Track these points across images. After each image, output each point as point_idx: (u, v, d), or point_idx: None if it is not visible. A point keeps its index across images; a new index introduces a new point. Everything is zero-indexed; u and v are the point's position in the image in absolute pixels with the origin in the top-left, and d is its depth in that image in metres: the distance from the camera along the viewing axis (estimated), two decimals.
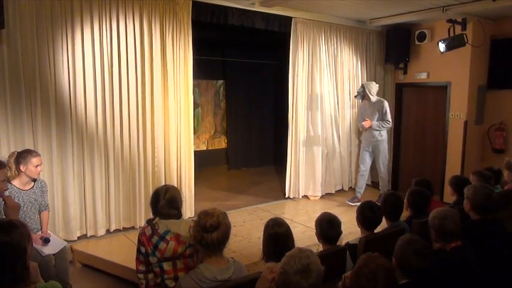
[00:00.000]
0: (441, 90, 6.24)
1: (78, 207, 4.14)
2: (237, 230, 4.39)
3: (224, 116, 8.23)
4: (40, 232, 3.30)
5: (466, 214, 2.83)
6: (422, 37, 6.17)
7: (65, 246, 3.37)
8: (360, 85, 5.61)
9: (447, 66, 5.98)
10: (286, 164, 5.86)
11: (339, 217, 2.66)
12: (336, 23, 5.91)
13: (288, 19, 5.46)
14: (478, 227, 2.74)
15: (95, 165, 4.19)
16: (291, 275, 1.56)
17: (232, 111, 8.15)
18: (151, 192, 2.73)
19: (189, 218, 4.51)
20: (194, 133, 7.80)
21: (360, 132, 6.02)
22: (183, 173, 4.77)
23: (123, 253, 3.79)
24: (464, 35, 5.44)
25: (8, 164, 3.22)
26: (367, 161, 5.62)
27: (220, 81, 8.13)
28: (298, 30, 5.54)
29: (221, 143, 8.28)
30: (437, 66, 6.12)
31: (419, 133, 6.73)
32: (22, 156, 3.18)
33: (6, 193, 3.04)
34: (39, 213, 3.35)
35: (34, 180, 3.28)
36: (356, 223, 2.92)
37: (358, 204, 5.37)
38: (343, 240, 3.06)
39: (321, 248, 2.69)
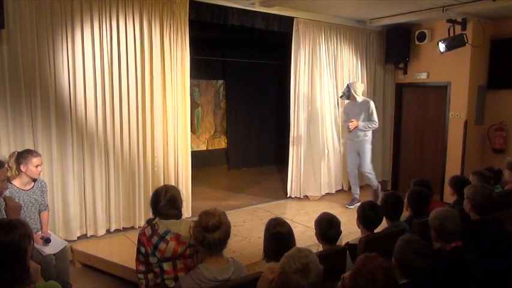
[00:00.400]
0: (441, 90, 6.24)
1: (78, 207, 4.14)
2: (237, 230, 4.39)
3: (224, 116, 8.23)
4: (40, 232, 3.30)
5: (466, 214, 2.83)
6: (422, 37, 6.17)
7: (65, 246, 3.38)
8: (345, 85, 5.56)
9: (447, 66, 5.98)
10: (287, 163, 5.87)
11: (339, 217, 2.66)
12: (336, 23, 5.91)
13: (288, 19, 5.45)
14: (478, 227, 2.74)
15: (95, 165, 4.20)
16: (291, 275, 1.57)
17: (232, 111, 8.15)
18: (151, 192, 2.74)
19: (186, 218, 4.50)
20: (194, 133, 7.85)
21: (345, 132, 6.02)
22: (180, 173, 4.76)
23: (123, 253, 3.79)
24: (464, 35, 5.44)
25: (8, 164, 3.23)
26: (354, 161, 5.57)
27: (220, 81, 8.13)
28: (300, 30, 5.54)
29: (221, 143, 8.28)
30: (437, 66, 6.12)
31: (419, 133, 6.73)
32: (22, 156, 3.18)
33: (7, 193, 3.05)
34: (39, 213, 3.35)
35: (34, 180, 3.29)
36: (356, 223, 2.92)
37: (358, 204, 5.36)
38: (343, 240, 3.06)
39: (320, 248, 2.69)
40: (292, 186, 5.87)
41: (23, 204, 3.10)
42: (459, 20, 5.61)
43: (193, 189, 5.90)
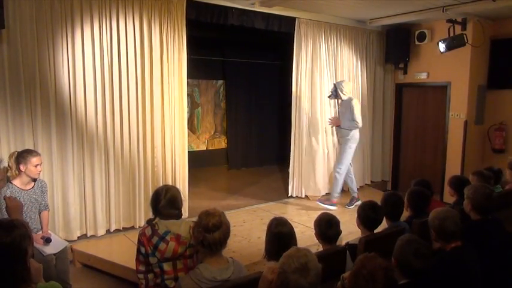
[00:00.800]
0: (441, 90, 6.24)
1: (78, 207, 4.14)
2: (237, 230, 4.39)
3: (224, 116, 8.23)
4: (41, 232, 3.30)
5: (466, 214, 2.84)
6: (422, 37, 6.18)
7: (65, 247, 3.38)
8: (333, 85, 5.56)
9: (447, 66, 5.98)
10: (287, 163, 5.87)
11: (339, 217, 2.66)
12: (336, 23, 5.91)
13: (288, 19, 5.46)
14: (478, 227, 2.74)
15: (95, 165, 4.20)
16: (290, 274, 1.57)
17: (232, 111, 8.15)
18: (151, 192, 2.73)
19: (183, 218, 4.50)
20: (194, 133, 7.85)
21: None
22: (177, 173, 4.75)
23: (123, 253, 3.79)
24: (464, 35, 5.44)
25: (8, 163, 3.24)
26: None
27: (220, 81, 8.13)
28: (302, 31, 5.55)
29: (221, 143, 8.28)
30: (437, 66, 6.12)
31: (419, 133, 6.74)
32: (22, 156, 3.19)
33: (8, 193, 3.05)
34: (39, 213, 3.35)
35: (34, 180, 3.29)
36: (356, 223, 2.92)
37: (359, 203, 5.33)
38: (343, 240, 3.05)
39: (320, 248, 2.69)
40: (293, 185, 5.87)
41: (23, 204, 3.10)
42: (459, 20, 5.61)
43: (193, 189, 5.91)
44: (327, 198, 5.56)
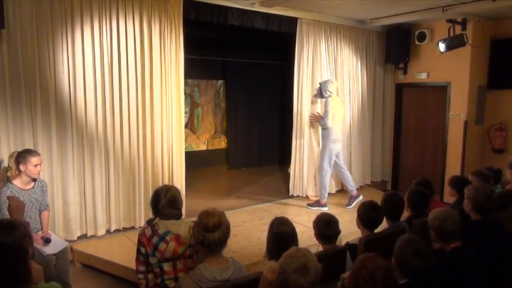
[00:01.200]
0: (441, 90, 6.24)
1: (78, 207, 4.14)
2: (237, 230, 4.39)
3: (224, 116, 8.23)
4: (41, 232, 3.30)
5: (465, 214, 2.83)
6: (422, 37, 6.18)
7: (65, 247, 3.38)
8: (318, 84, 5.55)
9: (447, 66, 5.98)
10: (288, 163, 5.87)
11: (339, 217, 2.67)
12: (336, 23, 5.91)
13: (288, 19, 5.45)
14: (478, 227, 2.74)
15: (95, 165, 4.20)
16: (290, 274, 1.57)
17: (232, 111, 8.14)
18: (151, 192, 2.73)
19: (182, 218, 4.50)
20: (194, 133, 7.85)
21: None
22: (174, 172, 4.73)
23: (123, 253, 3.79)
24: (464, 35, 5.44)
25: (8, 163, 3.24)
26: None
27: (220, 81, 8.13)
28: (303, 31, 5.56)
29: (221, 143, 8.28)
30: (437, 66, 6.12)
31: (419, 133, 6.74)
32: (22, 156, 3.19)
33: (8, 193, 3.05)
34: (40, 213, 3.35)
35: (34, 180, 3.29)
36: (355, 223, 2.92)
37: (358, 200, 5.30)
38: (343, 240, 3.05)
39: (320, 248, 2.69)
40: (294, 185, 5.87)
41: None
42: (459, 20, 5.62)
43: (193, 189, 5.91)
44: (316, 201, 5.55)
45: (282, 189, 6.27)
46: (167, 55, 4.52)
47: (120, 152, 4.34)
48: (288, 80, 5.74)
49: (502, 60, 5.82)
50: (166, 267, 2.35)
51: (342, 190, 6.30)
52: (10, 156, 3.28)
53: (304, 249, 1.70)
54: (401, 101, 6.92)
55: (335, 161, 5.47)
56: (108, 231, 4.35)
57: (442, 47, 5.47)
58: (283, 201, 5.80)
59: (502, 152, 5.93)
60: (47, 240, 3.21)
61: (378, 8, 5.44)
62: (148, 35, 4.37)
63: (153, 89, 4.46)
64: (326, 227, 2.58)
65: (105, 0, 4.09)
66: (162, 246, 2.31)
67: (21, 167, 3.16)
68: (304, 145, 5.79)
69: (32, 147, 3.61)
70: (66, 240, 3.68)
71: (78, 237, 4.14)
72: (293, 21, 5.51)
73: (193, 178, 6.44)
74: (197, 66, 7.18)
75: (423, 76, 6.37)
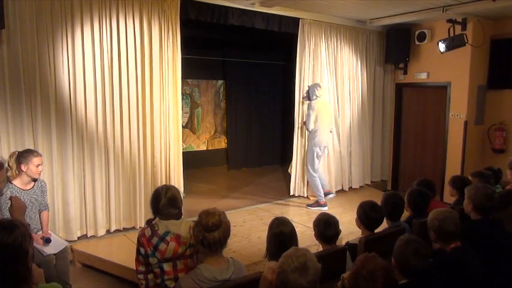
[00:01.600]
0: (441, 90, 6.24)
1: (78, 207, 4.14)
2: (237, 230, 4.39)
3: (224, 116, 8.23)
4: (41, 232, 3.30)
5: (465, 214, 2.83)
6: (422, 37, 6.18)
7: (65, 247, 3.38)
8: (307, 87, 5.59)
9: (447, 66, 5.98)
10: (288, 163, 5.86)
11: (339, 217, 2.67)
12: (336, 23, 5.91)
13: (288, 19, 5.46)
14: (478, 227, 2.74)
15: (95, 165, 4.20)
16: (289, 273, 1.58)
17: (232, 111, 8.15)
18: (151, 192, 2.72)
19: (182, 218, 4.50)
20: (194, 133, 7.85)
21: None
22: (172, 172, 4.73)
23: (123, 253, 3.79)
24: (464, 35, 5.44)
25: (8, 163, 3.23)
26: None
27: (220, 81, 8.13)
28: (305, 31, 5.57)
29: (221, 143, 8.28)
30: (437, 66, 6.12)
31: (419, 133, 6.74)
32: (23, 156, 3.18)
33: (8, 193, 3.05)
34: (39, 213, 3.35)
35: (34, 180, 3.29)
36: (355, 223, 2.92)
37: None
38: (343, 240, 3.06)
39: (320, 248, 2.69)
40: (295, 184, 5.87)
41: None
42: (459, 20, 5.62)
43: (193, 189, 5.92)
44: (315, 201, 5.55)
45: (282, 189, 6.27)
46: (164, 55, 4.52)
47: (120, 152, 4.34)
48: (288, 79, 5.74)
49: (502, 60, 5.83)
50: (167, 267, 2.35)
51: (342, 190, 6.31)
52: (10, 156, 3.27)
53: (304, 249, 1.70)
54: (401, 101, 6.92)
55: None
56: (108, 232, 4.35)
57: (442, 47, 5.47)
58: (283, 201, 5.80)
59: (502, 152, 5.94)
60: (47, 240, 3.21)
61: (377, 8, 5.44)
62: (148, 34, 4.37)
63: (152, 89, 4.46)
64: (326, 227, 2.57)
65: (105, 0, 4.09)
66: (162, 246, 2.31)
67: (23, 167, 3.15)
68: (305, 145, 5.79)
69: (32, 147, 3.61)
70: (67, 241, 3.68)
71: (78, 238, 4.14)
72: (293, 21, 5.52)
73: (193, 178, 6.45)
74: (197, 66, 7.19)
75: (423, 76, 6.37)
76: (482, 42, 5.74)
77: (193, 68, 7.00)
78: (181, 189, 4.81)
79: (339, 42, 6.01)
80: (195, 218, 2.12)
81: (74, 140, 4.05)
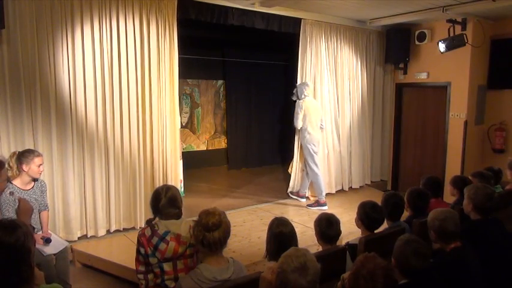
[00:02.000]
0: (441, 90, 6.24)
1: (78, 207, 4.14)
2: (237, 230, 4.39)
3: (224, 116, 8.23)
4: (41, 232, 3.30)
5: (465, 214, 2.83)
6: (422, 37, 6.18)
7: (66, 247, 3.38)
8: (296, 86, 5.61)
9: (447, 66, 5.98)
10: (288, 163, 5.86)
11: (339, 217, 2.66)
12: (335, 23, 5.91)
13: (288, 19, 5.45)
14: (478, 227, 2.74)
15: (95, 165, 4.19)
16: (289, 273, 1.57)
17: (232, 111, 8.15)
18: (151, 192, 2.72)
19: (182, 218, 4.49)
20: (194, 133, 7.85)
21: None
22: (169, 172, 4.72)
23: (123, 253, 3.79)
24: (464, 35, 5.45)
25: (9, 163, 3.23)
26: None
27: (220, 81, 8.13)
28: (307, 31, 5.56)
29: (221, 143, 8.28)
30: (437, 66, 6.12)
31: (419, 133, 6.74)
32: (24, 155, 3.18)
33: (8, 193, 3.05)
34: (39, 213, 3.35)
35: (34, 180, 3.29)
36: (355, 223, 2.91)
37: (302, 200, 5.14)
38: (343, 240, 3.05)
39: (320, 249, 2.69)
40: (295, 185, 5.87)
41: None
42: (459, 20, 5.62)
43: (193, 189, 5.92)
44: (315, 201, 5.56)
45: (282, 189, 6.26)
46: (161, 54, 4.51)
47: (120, 152, 4.34)
48: (288, 79, 5.74)
49: (502, 60, 5.83)
50: (167, 267, 2.35)
51: (342, 190, 6.31)
52: (11, 156, 3.27)
53: (304, 249, 1.70)
54: (401, 101, 6.92)
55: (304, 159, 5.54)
56: (108, 232, 4.35)
57: (442, 47, 5.47)
58: (283, 201, 5.80)
59: (502, 152, 5.94)
60: (47, 240, 3.21)
61: (378, 8, 5.44)
62: (147, 34, 4.37)
63: (152, 89, 4.46)
64: (327, 226, 2.57)
65: (105, 0, 4.09)
66: (163, 246, 2.31)
67: (24, 167, 3.15)
68: (305, 145, 5.78)
69: (32, 147, 3.61)
70: (67, 241, 3.68)
71: (78, 238, 4.14)
72: (293, 21, 5.52)
73: (193, 178, 6.45)
74: (197, 66, 7.19)
75: (423, 76, 6.37)
76: (482, 42, 5.74)
77: (193, 68, 7.00)
78: (179, 187, 4.80)
79: (339, 42, 6.01)
80: (195, 218, 2.12)
81: (74, 140, 4.05)
